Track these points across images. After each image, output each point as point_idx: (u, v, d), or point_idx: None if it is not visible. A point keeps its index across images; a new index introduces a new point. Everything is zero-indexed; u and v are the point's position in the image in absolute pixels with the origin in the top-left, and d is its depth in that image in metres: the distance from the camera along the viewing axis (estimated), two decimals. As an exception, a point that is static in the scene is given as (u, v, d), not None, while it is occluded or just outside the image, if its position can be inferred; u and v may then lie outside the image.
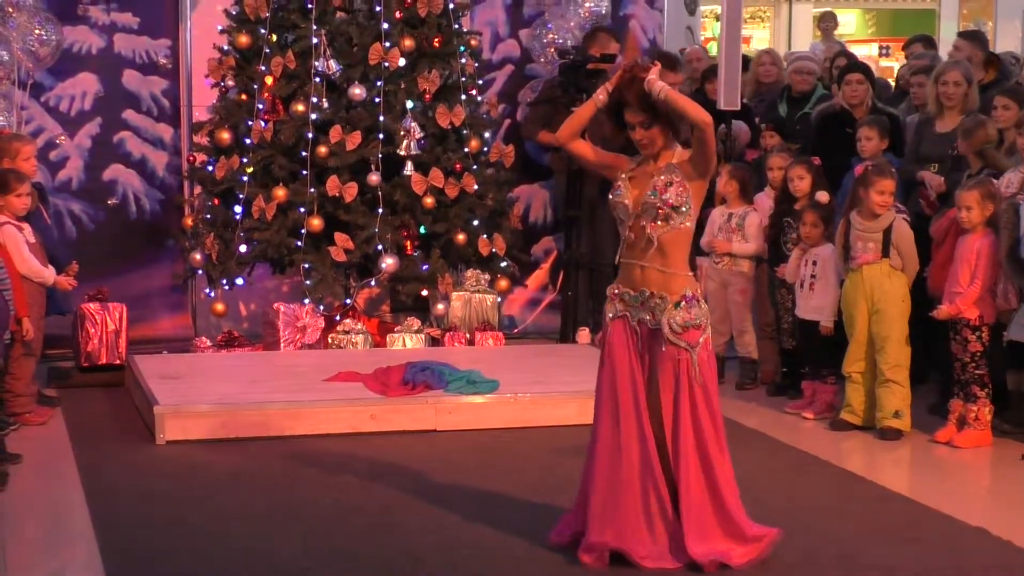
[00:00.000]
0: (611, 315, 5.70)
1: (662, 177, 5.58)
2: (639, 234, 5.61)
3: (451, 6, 9.75)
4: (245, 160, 9.51)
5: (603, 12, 10.72)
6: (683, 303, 5.58)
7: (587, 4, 10.64)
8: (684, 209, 5.57)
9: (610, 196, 5.72)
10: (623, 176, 5.68)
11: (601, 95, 5.65)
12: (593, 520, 5.61)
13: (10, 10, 9.42)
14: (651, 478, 5.55)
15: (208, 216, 9.66)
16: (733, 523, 5.61)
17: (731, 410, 8.24)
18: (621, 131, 5.71)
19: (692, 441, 5.57)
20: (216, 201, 9.70)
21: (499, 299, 9.86)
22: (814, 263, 8.31)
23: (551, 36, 10.58)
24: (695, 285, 5.68)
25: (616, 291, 5.71)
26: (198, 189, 9.90)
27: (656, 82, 5.51)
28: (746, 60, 11.69)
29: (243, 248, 9.45)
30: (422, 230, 9.64)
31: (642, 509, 5.57)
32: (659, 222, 5.58)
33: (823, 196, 8.42)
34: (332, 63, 9.50)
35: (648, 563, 5.52)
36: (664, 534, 5.56)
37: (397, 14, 9.56)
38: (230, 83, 9.71)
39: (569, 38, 10.47)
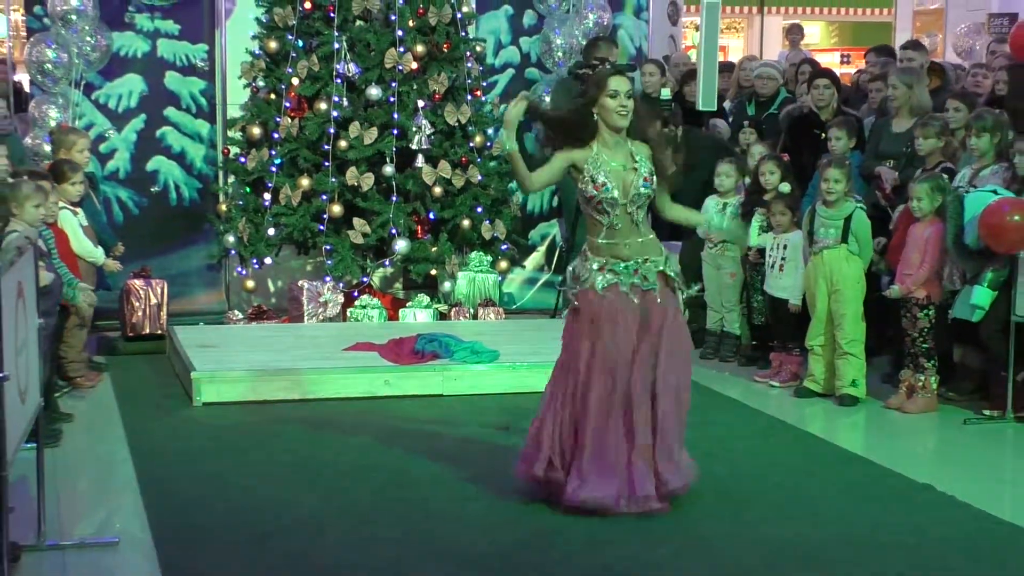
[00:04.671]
0: (602, 284, 5.48)
1: (643, 165, 5.49)
2: (626, 221, 5.51)
3: (459, 16, 9.72)
4: (273, 152, 9.49)
5: (604, 23, 10.64)
6: (667, 254, 5.62)
7: (591, 16, 10.57)
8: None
9: (593, 192, 5.46)
10: (604, 169, 5.46)
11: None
12: (583, 470, 5.48)
13: (73, 17, 9.43)
14: (639, 426, 5.41)
15: (240, 203, 9.63)
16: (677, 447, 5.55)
17: (706, 378, 8.26)
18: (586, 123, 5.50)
19: (674, 375, 5.48)
20: (247, 189, 9.69)
21: (500, 278, 9.86)
22: (784, 247, 8.30)
23: (558, 41, 10.53)
24: None
25: (603, 264, 5.52)
26: (231, 178, 9.89)
27: None
28: (730, 66, 11.69)
29: (271, 231, 9.45)
30: (431, 216, 9.63)
31: (625, 456, 5.43)
32: (643, 208, 5.55)
33: (785, 186, 8.43)
34: (352, 66, 9.47)
35: (633, 508, 5.40)
36: (649, 476, 5.41)
37: (410, 22, 9.54)
38: (260, 83, 9.68)
39: (574, 43, 10.44)
